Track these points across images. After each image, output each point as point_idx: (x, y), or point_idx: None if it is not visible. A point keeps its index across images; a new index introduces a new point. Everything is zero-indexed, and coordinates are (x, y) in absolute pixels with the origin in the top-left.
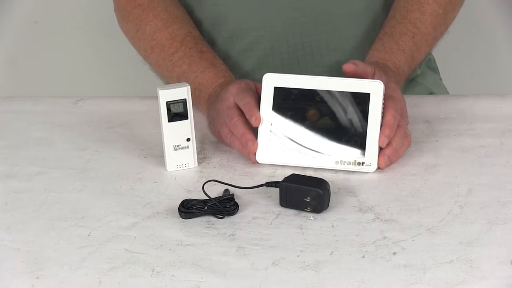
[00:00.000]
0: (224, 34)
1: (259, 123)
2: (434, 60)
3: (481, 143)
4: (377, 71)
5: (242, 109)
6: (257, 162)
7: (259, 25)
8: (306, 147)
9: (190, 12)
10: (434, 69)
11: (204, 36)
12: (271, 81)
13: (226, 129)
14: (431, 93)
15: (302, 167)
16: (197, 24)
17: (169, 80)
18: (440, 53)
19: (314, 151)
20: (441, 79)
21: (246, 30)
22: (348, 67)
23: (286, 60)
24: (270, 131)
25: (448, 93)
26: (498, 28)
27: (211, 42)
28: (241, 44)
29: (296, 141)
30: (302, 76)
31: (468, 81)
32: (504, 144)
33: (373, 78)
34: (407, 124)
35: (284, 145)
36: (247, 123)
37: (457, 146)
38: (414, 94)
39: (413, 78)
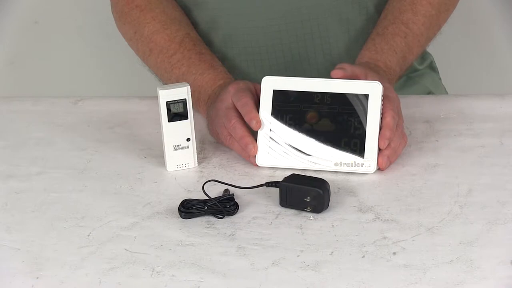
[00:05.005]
0: (220, 37)
1: (260, 127)
2: (434, 60)
3: (481, 143)
4: (369, 72)
5: (240, 110)
6: (257, 165)
7: (254, 29)
8: (306, 150)
9: (187, 14)
10: (434, 69)
11: (201, 38)
12: (270, 84)
13: (225, 131)
14: (430, 92)
15: (302, 169)
16: (194, 26)
17: (168, 82)
18: (440, 53)
19: (314, 153)
20: (440, 79)
21: (241, 34)
22: (335, 74)
23: (281, 64)
24: (270, 134)
25: (447, 92)
26: (498, 28)
27: (208, 44)
28: (237, 47)
29: (296, 143)
30: (301, 78)
31: (468, 81)
32: (504, 144)
33: (363, 79)
34: (402, 122)
35: (284, 147)
36: (246, 125)
37: (457, 146)
38: (412, 93)
39: (412, 77)
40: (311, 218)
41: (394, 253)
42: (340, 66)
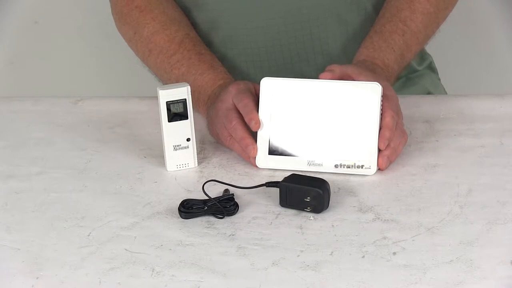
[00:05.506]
0: (220, 38)
1: (259, 128)
2: (433, 61)
3: (481, 143)
4: (363, 71)
5: (241, 111)
6: (257, 167)
7: (254, 29)
8: (306, 151)
9: (187, 14)
10: (433, 69)
11: (201, 38)
12: (269, 86)
13: (225, 132)
14: (429, 93)
15: (302, 171)
16: (194, 26)
17: (168, 82)
18: (439, 53)
19: (314, 155)
20: (439, 79)
21: (241, 34)
22: (324, 76)
23: (281, 65)
24: (269, 135)
25: (446, 93)
26: (498, 28)
27: (208, 45)
28: (236, 48)
29: (295, 145)
30: (299, 80)
31: (467, 81)
32: (504, 144)
33: (358, 78)
34: (401, 120)
35: (284, 149)
36: (246, 126)
37: (457, 146)
38: (411, 93)
39: (411, 78)
40: (311, 218)
41: (394, 253)
42: (329, 68)
